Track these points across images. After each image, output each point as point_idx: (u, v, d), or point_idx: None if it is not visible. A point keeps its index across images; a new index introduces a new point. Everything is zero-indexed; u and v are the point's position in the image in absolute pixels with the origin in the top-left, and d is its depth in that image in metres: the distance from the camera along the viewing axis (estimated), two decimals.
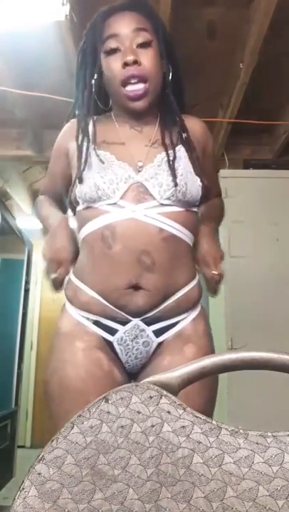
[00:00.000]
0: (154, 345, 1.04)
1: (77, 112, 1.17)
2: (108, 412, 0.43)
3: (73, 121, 1.17)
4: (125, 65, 1.04)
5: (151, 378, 0.45)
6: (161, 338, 1.04)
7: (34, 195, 4.04)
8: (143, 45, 1.06)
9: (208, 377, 1.01)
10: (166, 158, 1.05)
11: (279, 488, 0.40)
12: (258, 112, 2.61)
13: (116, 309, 1.02)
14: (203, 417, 0.43)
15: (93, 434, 0.42)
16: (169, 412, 0.43)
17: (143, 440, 0.42)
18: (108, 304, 1.02)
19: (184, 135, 1.11)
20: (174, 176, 1.02)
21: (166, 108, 1.13)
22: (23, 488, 0.40)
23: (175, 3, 1.83)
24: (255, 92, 2.39)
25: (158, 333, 1.03)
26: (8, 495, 2.86)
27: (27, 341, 4.19)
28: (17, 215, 3.80)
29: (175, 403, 0.43)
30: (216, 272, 1.10)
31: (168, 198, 1.02)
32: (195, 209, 1.10)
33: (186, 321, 1.06)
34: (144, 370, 1.06)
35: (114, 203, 1.01)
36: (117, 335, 1.03)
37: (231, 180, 2.77)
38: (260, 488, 0.40)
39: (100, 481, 0.40)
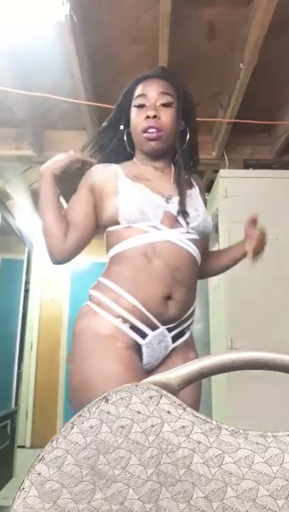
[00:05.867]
0: (170, 349, 1.23)
1: (99, 151, 1.42)
2: (108, 412, 0.43)
3: (99, 165, 1.37)
4: (147, 117, 1.29)
5: (151, 378, 0.45)
6: (174, 344, 1.24)
7: (34, 195, 4.04)
8: (165, 105, 1.31)
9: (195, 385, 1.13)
10: (190, 194, 1.32)
11: (279, 488, 0.40)
12: (258, 112, 2.61)
13: (152, 317, 1.19)
14: (203, 417, 0.43)
15: (93, 434, 0.42)
16: (169, 412, 0.43)
17: (143, 440, 0.42)
18: (146, 312, 1.19)
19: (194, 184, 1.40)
20: (197, 210, 1.29)
21: (180, 155, 1.36)
22: (23, 488, 0.40)
23: (175, 3, 1.83)
24: (255, 92, 2.39)
25: (174, 339, 1.24)
26: (8, 495, 2.87)
27: (27, 341, 4.19)
28: (17, 215, 3.80)
29: (175, 403, 0.43)
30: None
31: (192, 228, 1.26)
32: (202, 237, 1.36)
33: (188, 332, 1.28)
34: (157, 370, 1.22)
35: (154, 226, 1.23)
36: (147, 339, 1.20)
37: (231, 180, 2.77)
38: (260, 488, 0.40)
39: (100, 481, 0.40)
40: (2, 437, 3.01)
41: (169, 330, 1.22)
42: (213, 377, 2.54)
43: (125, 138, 1.38)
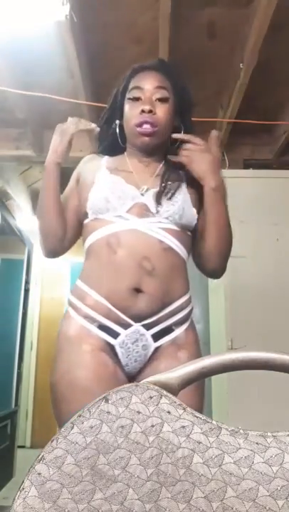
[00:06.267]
0: (152, 349, 1.13)
1: (99, 145, 1.39)
2: (108, 412, 0.43)
3: (89, 155, 1.38)
4: (142, 111, 1.23)
5: (151, 378, 0.45)
6: (158, 343, 1.14)
7: (34, 195, 4.04)
8: (160, 100, 1.26)
9: (198, 383, 1.07)
10: (172, 188, 1.23)
11: (279, 488, 0.40)
12: (258, 112, 2.61)
13: (119, 312, 1.11)
14: (203, 417, 0.43)
15: (93, 434, 0.42)
16: (169, 412, 0.43)
17: (143, 440, 0.42)
18: (112, 307, 1.12)
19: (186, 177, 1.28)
20: (171, 200, 1.20)
21: (172, 151, 1.29)
22: (23, 488, 0.40)
23: (175, 3, 1.83)
24: (255, 92, 2.39)
25: (156, 337, 1.13)
26: (8, 495, 2.86)
27: (27, 341, 4.19)
28: (17, 215, 3.80)
29: (175, 403, 0.43)
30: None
31: (166, 218, 1.18)
32: (189, 233, 1.25)
33: (180, 330, 1.17)
34: (142, 373, 1.13)
35: (120, 215, 1.17)
36: (119, 338, 1.12)
37: (231, 180, 2.76)
38: (260, 488, 0.40)
39: (100, 481, 0.40)
40: (2, 437, 3.01)
41: (147, 327, 1.12)
42: (213, 377, 2.54)
43: (118, 131, 1.33)
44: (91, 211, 1.20)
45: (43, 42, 2.09)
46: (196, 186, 1.26)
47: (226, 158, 2.98)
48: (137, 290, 1.11)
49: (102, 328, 1.12)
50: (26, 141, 2.93)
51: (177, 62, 2.19)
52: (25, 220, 3.94)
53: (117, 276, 1.12)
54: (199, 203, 1.25)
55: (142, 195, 1.20)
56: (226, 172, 2.82)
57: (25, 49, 2.15)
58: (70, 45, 2.01)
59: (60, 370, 1.11)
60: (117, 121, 1.32)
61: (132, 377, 1.14)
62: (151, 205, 1.18)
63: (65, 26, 1.88)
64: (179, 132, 1.30)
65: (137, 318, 1.11)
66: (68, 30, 1.90)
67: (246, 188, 2.71)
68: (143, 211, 1.17)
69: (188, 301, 1.21)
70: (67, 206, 1.30)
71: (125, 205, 1.17)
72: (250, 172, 2.93)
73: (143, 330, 1.12)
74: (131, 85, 1.29)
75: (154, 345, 1.13)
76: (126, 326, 1.11)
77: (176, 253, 1.18)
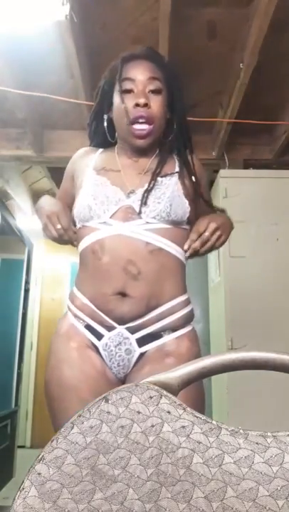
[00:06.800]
0: (136, 354, 1.10)
1: (90, 142, 1.34)
2: (108, 412, 0.43)
3: (84, 148, 1.34)
4: (136, 105, 1.16)
5: (151, 378, 0.45)
6: (143, 349, 1.10)
7: (34, 195, 4.04)
8: (154, 92, 1.19)
9: (196, 385, 1.03)
10: (160, 182, 1.17)
11: (279, 488, 0.40)
12: (258, 112, 2.61)
13: (102, 314, 1.10)
14: (203, 417, 0.43)
15: (93, 434, 0.42)
16: (169, 412, 0.43)
17: (143, 440, 0.42)
18: (95, 309, 1.11)
19: (179, 169, 1.23)
20: (159, 198, 1.14)
21: (165, 146, 1.25)
22: (23, 488, 0.40)
23: (175, 3, 1.82)
24: (255, 92, 2.39)
25: (141, 342, 1.10)
26: (8, 495, 2.86)
27: (27, 341, 4.19)
28: (17, 215, 3.80)
29: (175, 403, 0.43)
30: (194, 239, 1.15)
31: (153, 217, 1.12)
32: (184, 226, 1.18)
33: (170, 337, 1.11)
34: (127, 378, 1.11)
35: (104, 222, 1.13)
36: (103, 340, 1.11)
37: (231, 180, 2.77)
38: (260, 488, 0.40)
39: (100, 481, 0.40)
40: (2, 437, 3.01)
41: (132, 331, 1.09)
42: (213, 377, 2.54)
43: (105, 124, 1.26)
44: (77, 220, 1.18)
45: (43, 42, 2.09)
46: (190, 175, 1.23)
47: (226, 158, 2.98)
48: (123, 294, 1.08)
49: (88, 328, 1.12)
50: (26, 141, 2.93)
51: (177, 62, 2.19)
52: (25, 220, 3.94)
53: (102, 282, 1.10)
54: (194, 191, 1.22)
55: (128, 197, 1.15)
56: (226, 172, 2.84)
57: (25, 49, 2.15)
58: (70, 44, 2.01)
59: (50, 366, 1.13)
60: (105, 116, 1.26)
61: (122, 382, 1.11)
62: (137, 207, 1.13)
63: (65, 26, 1.88)
64: (171, 125, 1.24)
65: (121, 321, 1.09)
66: (68, 30, 1.90)
67: (246, 188, 2.71)
68: (128, 214, 1.13)
69: (184, 304, 1.15)
70: (67, 204, 1.27)
71: (109, 211, 1.13)
72: (250, 172, 2.93)
73: (127, 333, 1.09)
74: (121, 76, 1.20)
75: (138, 350, 1.09)
76: (110, 328, 1.10)
77: (166, 253, 1.13)
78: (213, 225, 1.14)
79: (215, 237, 1.14)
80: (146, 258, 1.10)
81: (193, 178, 1.23)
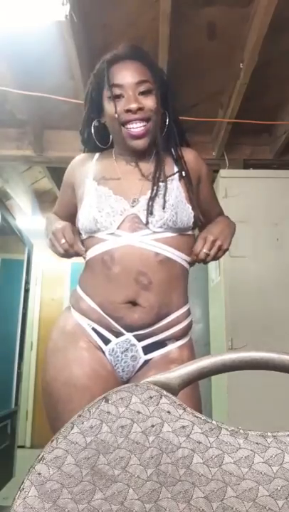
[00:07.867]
0: (141, 361, 1.11)
1: (84, 149, 1.32)
2: (108, 412, 0.43)
3: (80, 156, 1.32)
4: (128, 111, 1.14)
5: (151, 378, 0.45)
6: (148, 356, 1.11)
7: (34, 195, 4.04)
8: (144, 93, 1.16)
9: (193, 386, 1.03)
10: (163, 187, 1.16)
11: (279, 488, 0.40)
12: (258, 112, 2.61)
13: (111, 320, 1.10)
14: (203, 417, 0.43)
15: (93, 434, 0.42)
16: (169, 412, 0.43)
17: (143, 440, 0.42)
18: (104, 314, 1.11)
19: (177, 168, 1.22)
20: (163, 207, 1.14)
21: (161, 144, 1.22)
22: (23, 488, 0.40)
23: (175, 3, 1.82)
24: (255, 92, 2.39)
25: (147, 350, 1.11)
26: (8, 495, 2.86)
27: (27, 341, 4.19)
28: (17, 215, 3.80)
29: (175, 403, 0.43)
30: (198, 251, 1.18)
31: (160, 227, 1.13)
32: (189, 232, 1.20)
33: (173, 346, 1.14)
34: (131, 382, 1.11)
35: (112, 233, 1.13)
36: (110, 345, 1.11)
37: (231, 180, 2.77)
38: (260, 488, 0.40)
39: (100, 481, 0.40)
40: (2, 437, 3.01)
41: (139, 338, 1.10)
42: (213, 377, 2.54)
43: (93, 131, 1.24)
44: (83, 232, 1.18)
45: (44, 42, 2.09)
46: (189, 169, 1.23)
47: (226, 158, 2.98)
48: (133, 303, 1.10)
49: (94, 331, 1.12)
50: (26, 141, 2.93)
51: (177, 62, 2.19)
52: (25, 220, 3.94)
53: (112, 290, 1.10)
54: (196, 190, 1.23)
55: (133, 206, 1.14)
56: (226, 172, 2.84)
57: (25, 49, 2.14)
58: (71, 45, 2.00)
59: (55, 367, 1.10)
60: (96, 123, 1.24)
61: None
62: (143, 216, 1.13)
63: (65, 26, 1.87)
64: (164, 122, 1.23)
65: (129, 328, 1.10)
66: (68, 30, 1.90)
67: (246, 188, 2.71)
68: (135, 224, 1.13)
69: (186, 314, 1.18)
70: (70, 214, 1.27)
71: (115, 222, 1.13)
72: (250, 172, 2.93)
73: (134, 340, 1.10)
74: (109, 81, 1.17)
75: (144, 357, 1.11)
76: (117, 334, 1.11)
77: (174, 263, 1.14)
78: (210, 239, 1.18)
79: (215, 249, 1.18)
80: (156, 268, 1.11)
81: (183, 173, 1.21)
